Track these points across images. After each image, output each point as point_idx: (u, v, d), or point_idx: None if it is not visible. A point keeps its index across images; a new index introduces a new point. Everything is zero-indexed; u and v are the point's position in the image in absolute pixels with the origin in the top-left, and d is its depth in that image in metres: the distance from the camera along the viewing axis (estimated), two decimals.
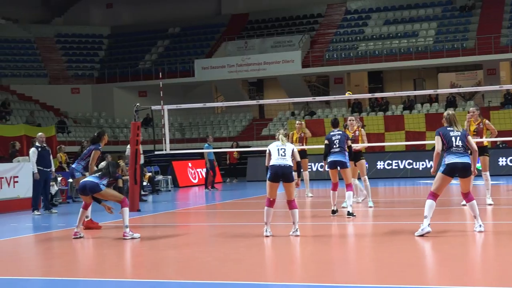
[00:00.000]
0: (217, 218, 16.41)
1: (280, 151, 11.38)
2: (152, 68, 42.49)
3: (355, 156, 16.15)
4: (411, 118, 32.67)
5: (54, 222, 15.76)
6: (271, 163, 11.32)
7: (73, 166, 14.21)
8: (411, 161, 29.67)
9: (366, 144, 16.69)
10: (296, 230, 11.31)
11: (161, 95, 18.71)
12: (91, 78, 44.55)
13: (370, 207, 15.92)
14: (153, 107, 19.09)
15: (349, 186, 14.28)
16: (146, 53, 45.99)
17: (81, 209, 12.31)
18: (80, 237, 12.02)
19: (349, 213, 14.03)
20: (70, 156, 27.03)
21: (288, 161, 11.32)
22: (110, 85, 43.32)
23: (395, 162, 29.87)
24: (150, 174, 25.81)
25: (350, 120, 16.57)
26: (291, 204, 11.39)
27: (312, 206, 17.90)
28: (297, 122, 20.42)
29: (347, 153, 14.36)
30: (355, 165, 16.41)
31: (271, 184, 11.27)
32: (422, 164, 29.34)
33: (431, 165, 29.03)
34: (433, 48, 38.19)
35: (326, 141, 14.48)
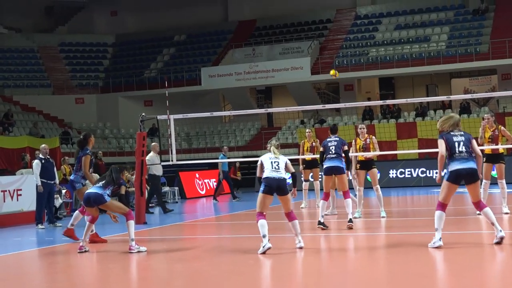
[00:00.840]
0: (225, 230, 16.38)
1: (274, 164, 11.22)
2: (158, 77, 42.58)
3: (367, 164, 16.08)
4: (424, 125, 32.56)
5: (58, 236, 15.75)
6: (265, 175, 11.17)
7: (72, 178, 14.05)
8: (424, 169, 29.60)
9: (378, 152, 16.62)
10: (299, 241, 11.20)
11: (167, 104, 18.74)
12: (95, 88, 44.67)
13: (383, 217, 15.86)
14: (159, 117, 19.10)
15: (346, 194, 14.10)
16: (152, 62, 46.09)
17: (87, 222, 12.28)
18: (86, 251, 12.00)
19: (350, 220, 13.94)
20: None
21: (282, 174, 11.17)
22: (115, 94, 43.43)
23: (408, 171, 29.80)
24: None
25: (360, 128, 16.49)
26: (290, 216, 11.21)
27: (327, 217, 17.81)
28: (307, 130, 20.40)
29: (343, 160, 14.17)
30: (367, 174, 16.36)
31: (264, 196, 11.10)
32: (436, 173, 29.23)
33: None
34: (446, 53, 38.14)
35: (321, 148, 14.33)
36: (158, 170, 21.13)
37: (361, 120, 37.69)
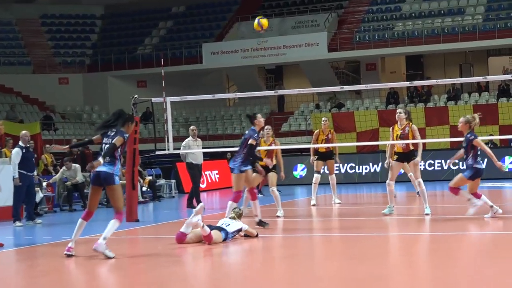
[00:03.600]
0: None
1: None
2: (153, 54, 42.55)
3: (406, 156, 16.08)
4: (457, 110, 32.49)
5: (38, 235, 15.82)
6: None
7: None
8: (456, 161, 29.48)
9: (420, 141, 16.44)
10: None
11: (163, 85, 18.74)
12: (82, 66, 44.69)
13: (427, 214, 15.84)
14: (154, 100, 19.13)
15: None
16: (146, 36, 46.06)
17: (80, 219, 11.81)
18: (72, 256, 11.65)
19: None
20: (57, 158, 27.16)
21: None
22: (104, 74, 43.44)
23: (438, 162, 29.73)
24: (150, 178, 25.87)
25: (399, 113, 16.40)
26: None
27: (341, 215, 17.88)
28: (323, 119, 20.33)
29: (239, 158, 14.35)
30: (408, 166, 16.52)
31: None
32: None
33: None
34: (483, 27, 37.99)
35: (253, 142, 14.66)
36: (195, 158, 21.03)
37: (384, 104, 37.61)
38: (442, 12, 40.78)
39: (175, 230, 12.70)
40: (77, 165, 22.72)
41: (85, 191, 22.38)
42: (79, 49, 46.05)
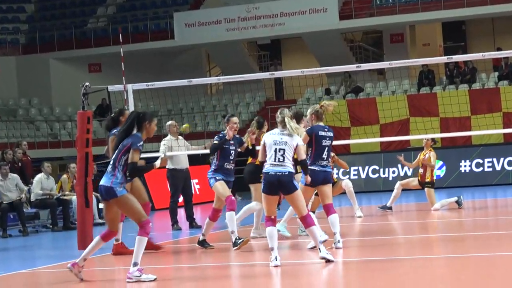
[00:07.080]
0: (206, 256, 16.25)
1: (278, 153, 12.79)
2: (109, 28, 42.51)
3: None
4: (511, 92, 32.50)
5: None
6: (264, 168, 12.96)
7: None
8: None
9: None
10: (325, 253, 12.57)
11: (123, 68, 18.76)
12: (15, 47, 44.59)
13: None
14: (111, 88, 19.12)
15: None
16: (99, 5, 46.02)
17: (98, 237, 13.05)
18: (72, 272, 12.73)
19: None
20: None
21: (287, 167, 12.79)
22: (45, 55, 43.33)
23: (488, 161, 29.75)
24: None
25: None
26: (306, 221, 12.63)
27: (362, 232, 17.91)
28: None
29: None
30: None
31: (267, 197, 12.85)
32: None
33: None
34: None
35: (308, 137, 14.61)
36: (179, 162, 21.06)
37: (416, 86, 37.60)
38: None
39: (143, 259, 12.63)
40: (15, 175, 22.51)
41: (25, 210, 22.30)
42: (10, 24, 45.97)
